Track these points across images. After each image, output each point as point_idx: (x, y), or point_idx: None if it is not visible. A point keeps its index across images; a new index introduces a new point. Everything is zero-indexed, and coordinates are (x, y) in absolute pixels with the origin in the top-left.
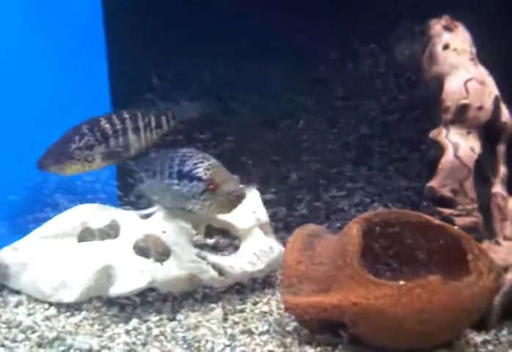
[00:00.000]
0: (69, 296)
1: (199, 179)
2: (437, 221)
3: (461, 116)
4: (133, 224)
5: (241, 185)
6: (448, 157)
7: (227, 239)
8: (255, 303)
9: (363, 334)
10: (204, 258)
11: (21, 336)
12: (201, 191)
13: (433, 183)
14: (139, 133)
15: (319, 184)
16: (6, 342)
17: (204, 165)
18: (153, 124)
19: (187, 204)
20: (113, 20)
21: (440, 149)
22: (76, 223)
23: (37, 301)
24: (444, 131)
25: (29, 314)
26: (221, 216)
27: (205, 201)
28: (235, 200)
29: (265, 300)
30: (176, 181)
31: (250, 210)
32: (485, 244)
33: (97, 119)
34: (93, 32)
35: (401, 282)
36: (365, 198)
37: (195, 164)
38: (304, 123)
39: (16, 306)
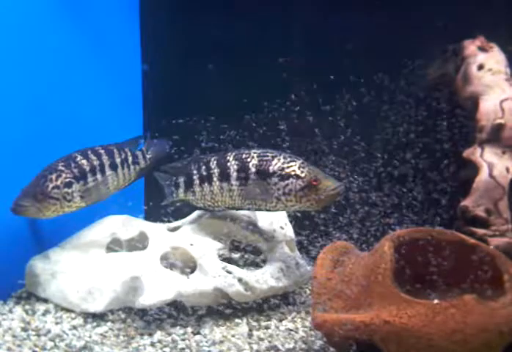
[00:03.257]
0: (96, 306)
1: (297, 176)
2: (472, 240)
3: (496, 136)
4: (161, 236)
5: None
6: (483, 176)
7: (253, 254)
8: (280, 320)
9: None
10: (230, 272)
11: (50, 344)
12: (299, 188)
13: (466, 203)
14: (117, 168)
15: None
16: (37, 349)
17: (297, 163)
18: (130, 159)
19: (268, 203)
20: (150, 42)
21: (474, 168)
22: (105, 234)
23: (64, 309)
24: (478, 150)
25: (57, 323)
26: (249, 231)
27: (302, 197)
28: (335, 195)
29: (290, 317)
30: (254, 181)
31: (278, 226)
32: None
33: (72, 156)
34: (129, 51)
35: (435, 301)
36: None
37: (285, 163)
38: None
39: (44, 314)
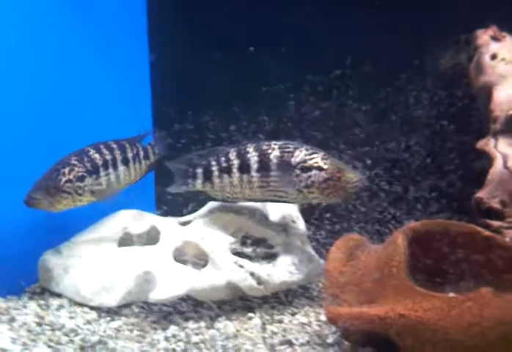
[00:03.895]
0: (109, 301)
1: (320, 168)
2: (487, 232)
3: (510, 126)
4: (172, 230)
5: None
6: (497, 167)
7: (264, 248)
8: (293, 314)
9: (410, 347)
10: (242, 266)
11: (65, 338)
12: (322, 180)
13: (481, 194)
14: (128, 163)
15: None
16: (52, 344)
17: (319, 155)
18: (141, 154)
19: (289, 195)
20: (157, 37)
21: (488, 159)
22: (117, 228)
23: (78, 304)
24: (492, 141)
25: (71, 318)
26: (261, 225)
27: (325, 189)
28: (358, 187)
29: (303, 311)
30: (275, 173)
31: (290, 220)
32: None
33: (84, 150)
34: (137, 48)
35: (451, 294)
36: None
37: (308, 155)
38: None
39: (58, 309)
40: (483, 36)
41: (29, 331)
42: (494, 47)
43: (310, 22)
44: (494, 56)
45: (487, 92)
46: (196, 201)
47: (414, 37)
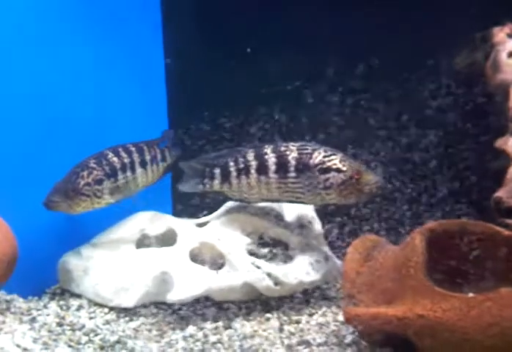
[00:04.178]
0: (128, 301)
1: (339, 170)
2: (506, 232)
3: None
4: (189, 231)
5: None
6: None
7: (281, 249)
8: (311, 315)
9: (429, 348)
10: (259, 267)
11: (85, 338)
12: (341, 182)
13: (500, 194)
14: (146, 166)
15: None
16: (72, 344)
17: (338, 157)
18: (159, 157)
19: (306, 196)
20: (173, 40)
21: (507, 159)
22: (135, 230)
23: (97, 305)
24: (511, 140)
25: (91, 318)
26: (277, 226)
27: (342, 191)
28: (376, 189)
29: (320, 311)
30: (294, 174)
31: (306, 220)
32: None
33: (103, 153)
34: (153, 51)
35: (470, 294)
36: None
37: (326, 156)
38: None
39: (78, 309)
40: (500, 33)
41: (50, 331)
42: (510, 44)
43: (331, 23)
44: (511, 54)
45: (504, 90)
46: (213, 201)
47: (432, 36)
